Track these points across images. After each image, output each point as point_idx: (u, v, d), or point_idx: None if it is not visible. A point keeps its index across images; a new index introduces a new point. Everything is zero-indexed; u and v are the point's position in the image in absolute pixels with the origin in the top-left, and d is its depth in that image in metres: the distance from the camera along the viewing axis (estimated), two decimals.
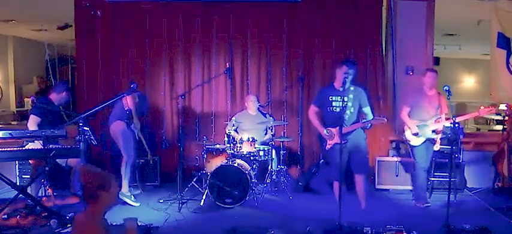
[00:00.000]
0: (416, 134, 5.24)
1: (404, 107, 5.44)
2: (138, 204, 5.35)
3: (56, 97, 5.26)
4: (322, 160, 6.21)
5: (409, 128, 5.28)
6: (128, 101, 5.36)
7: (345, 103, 4.62)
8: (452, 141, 4.74)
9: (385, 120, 4.67)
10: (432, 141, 5.27)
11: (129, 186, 5.49)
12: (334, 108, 4.69)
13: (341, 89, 4.63)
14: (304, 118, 6.53)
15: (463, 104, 12.44)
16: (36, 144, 4.82)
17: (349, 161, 4.85)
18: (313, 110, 4.90)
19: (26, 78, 10.80)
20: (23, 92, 10.55)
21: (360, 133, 4.76)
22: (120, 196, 5.34)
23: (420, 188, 5.41)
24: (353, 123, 4.72)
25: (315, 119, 4.88)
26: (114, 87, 6.47)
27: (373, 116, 4.87)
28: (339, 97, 4.66)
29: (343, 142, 4.47)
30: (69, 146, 4.88)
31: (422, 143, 5.26)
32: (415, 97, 5.35)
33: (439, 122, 5.19)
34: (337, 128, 4.58)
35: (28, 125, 5.03)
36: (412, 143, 5.32)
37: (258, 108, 6.15)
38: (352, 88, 4.71)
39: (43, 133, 4.60)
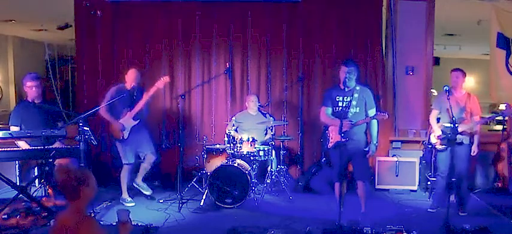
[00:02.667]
0: (440, 138, 5.05)
1: (432, 110, 5.25)
2: (133, 204, 5.38)
3: (31, 92, 4.99)
4: (324, 159, 6.19)
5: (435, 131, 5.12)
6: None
7: (349, 102, 4.63)
8: (452, 141, 4.74)
9: (386, 116, 4.60)
10: (461, 145, 4.94)
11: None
12: (340, 107, 4.69)
13: (345, 89, 4.66)
14: (304, 118, 6.54)
15: None
16: (24, 144, 4.81)
17: (352, 166, 4.84)
18: (324, 110, 4.83)
19: None
20: (23, 92, 10.53)
21: (361, 138, 4.74)
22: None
23: (436, 193, 5.29)
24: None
25: (328, 118, 4.81)
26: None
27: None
28: (344, 97, 4.67)
29: (343, 140, 4.47)
30: (69, 146, 4.87)
31: (446, 147, 4.98)
32: (443, 99, 5.04)
33: (466, 123, 4.94)
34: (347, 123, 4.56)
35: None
36: (437, 147, 5.12)
37: (258, 108, 6.15)
38: (357, 87, 4.70)
39: (43, 133, 4.60)
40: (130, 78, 5.38)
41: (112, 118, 5.26)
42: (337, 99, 4.70)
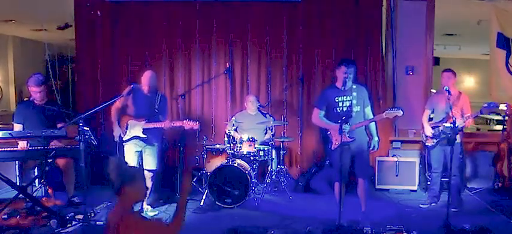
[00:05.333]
0: (431, 137, 5.30)
1: (425, 110, 5.51)
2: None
3: (35, 96, 5.00)
4: (328, 161, 6.14)
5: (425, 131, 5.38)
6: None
7: (350, 102, 4.63)
8: (451, 141, 4.75)
9: (401, 112, 4.56)
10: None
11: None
12: (341, 108, 4.67)
13: (344, 89, 4.62)
14: (304, 118, 6.53)
15: None
16: (23, 144, 4.81)
17: (352, 164, 4.81)
18: (317, 112, 4.79)
19: (26, 78, 10.61)
20: (23, 92, 10.53)
21: (363, 136, 4.74)
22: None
23: (431, 189, 5.52)
24: (360, 121, 4.69)
25: (321, 121, 4.77)
26: (114, 87, 6.46)
27: (374, 115, 4.84)
28: (344, 97, 4.65)
29: (350, 139, 4.49)
30: (69, 146, 4.87)
31: (437, 145, 5.28)
32: (435, 99, 5.43)
33: (450, 121, 5.01)
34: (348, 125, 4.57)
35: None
36: (427, 144, 5.41)
37: (258, 108, 6.14)
38: (354, 87, 4.70)
39: (43, 133, 4.60)
40: (145, 80, 4.95)
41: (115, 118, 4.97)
42: (337, 100, 4.68)
